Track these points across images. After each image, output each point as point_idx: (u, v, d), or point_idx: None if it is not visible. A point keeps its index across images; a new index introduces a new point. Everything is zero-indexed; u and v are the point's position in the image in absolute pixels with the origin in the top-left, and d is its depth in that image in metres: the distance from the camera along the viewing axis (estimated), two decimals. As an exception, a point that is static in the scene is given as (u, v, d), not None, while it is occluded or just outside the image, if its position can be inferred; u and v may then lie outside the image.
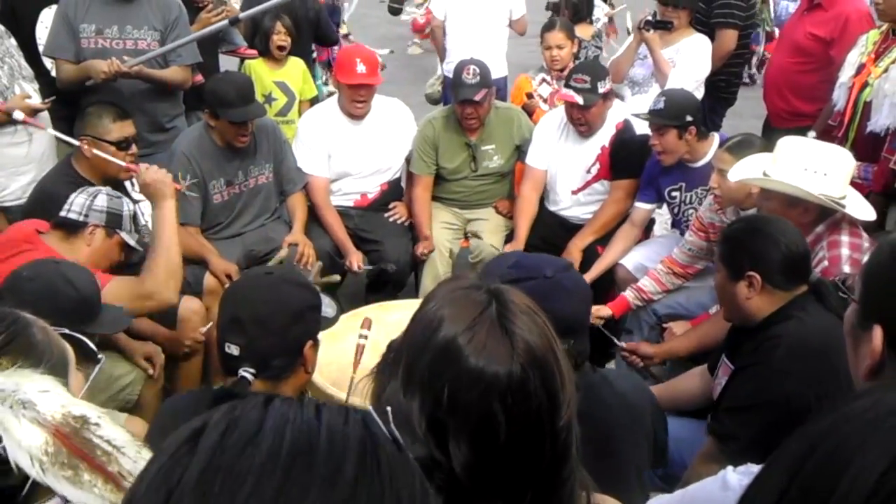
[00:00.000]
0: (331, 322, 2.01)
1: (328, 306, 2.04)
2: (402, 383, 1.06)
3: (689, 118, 3.45)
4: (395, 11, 3.61)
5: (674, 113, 3.45)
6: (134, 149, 3.29)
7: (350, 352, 2.96)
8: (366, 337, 2.77)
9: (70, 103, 3.74)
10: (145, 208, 3.39)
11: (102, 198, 2.85)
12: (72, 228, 2.82)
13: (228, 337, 1.77)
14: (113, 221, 2.86)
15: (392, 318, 3.20)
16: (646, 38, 4.40)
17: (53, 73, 3.89)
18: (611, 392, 1.96)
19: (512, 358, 1.02)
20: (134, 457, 1.03)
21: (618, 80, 4.73)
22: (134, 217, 2.97)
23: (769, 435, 2.02)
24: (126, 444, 1.03)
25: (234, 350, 1.76)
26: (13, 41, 3.60)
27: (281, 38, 4.59)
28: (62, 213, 2.84)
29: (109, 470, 1.01)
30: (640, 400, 2.07)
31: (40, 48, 3.90)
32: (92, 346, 1.95)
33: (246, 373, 1.74)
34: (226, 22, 4.07)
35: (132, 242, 2.93)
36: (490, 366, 1.02)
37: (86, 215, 2.82)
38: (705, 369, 2.76)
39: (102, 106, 3.33)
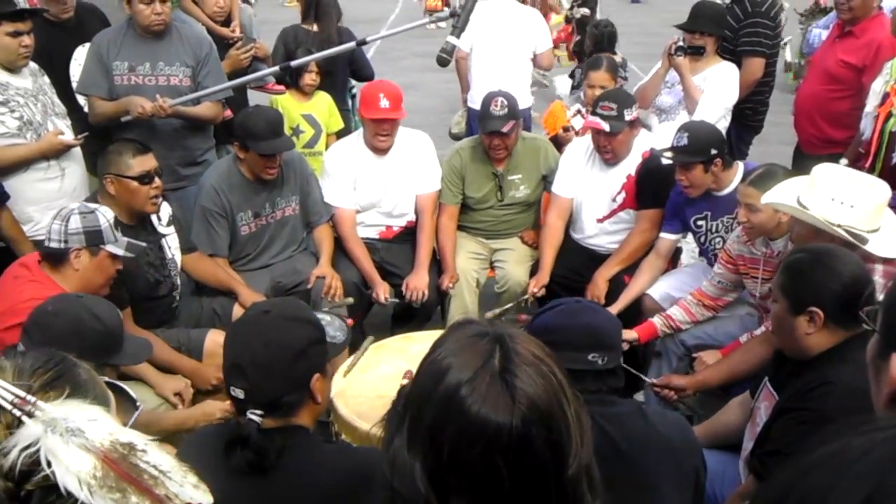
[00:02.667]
0: (340, 348, 1.98)
1: (338, 330, 1.99)
2: (406, 438, 1.05)
3: (713, 151, 3.40)
4: (444, 62, 3.62)
5: (698, 148, 3.41)
6: (157, 182, 3.22)
7: (378, 384, 2.97)
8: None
9: (102, 139, 3.81)
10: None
11: (75, 219, 2.77)
12: (57, 259, 2.77)
13: (232, 381, 1.74)
14: (93, 239, 2.78)
15: (416, 349, 3.21)
16: (676, 65, 4.38)
17: (86, 110, 3.97)
18: (653, 432, 1.93)
19: (513, 413, 1.01)
20: (180, 481, 1.05)
21: (644, 106, 4.73)
22: (116, 224, 2.87)
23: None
24: (172, 469, 1.06)
25: (239, 394, 1.74)
26: (47, 79, 3.68)
27: (312, 76, 4.67)
28: (46, 243, 2.80)
29: (157, 493, 1.03)
30: (684, 440, 2.02)
31: (74, 85, 3.99)
32: (132, 393, 1.97)
33: (253, 415, 1.72)
34: (277, 69, 4.11)
35: (120, 252, 2.84)
36: (491, 421, 1.01)
37: (65, 241, 2.76)
38: (746, 398, 2.68)
39: (122, 143, 3.29)
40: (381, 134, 3.98)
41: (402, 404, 1.09)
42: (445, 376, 1.04)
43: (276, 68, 4.13)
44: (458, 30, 3.67)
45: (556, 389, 1.05)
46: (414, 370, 2.87)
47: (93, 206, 2.87)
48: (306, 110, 4.72)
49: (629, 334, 3.37)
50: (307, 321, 1.84)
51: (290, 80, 4.77)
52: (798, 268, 2.26)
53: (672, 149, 3.49)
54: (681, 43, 4.38)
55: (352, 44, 4.02)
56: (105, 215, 2.84)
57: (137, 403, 1.96)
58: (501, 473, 1.00)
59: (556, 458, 1.02)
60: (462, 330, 1.12)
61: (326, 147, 4.77)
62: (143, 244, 2.97)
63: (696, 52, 4.36)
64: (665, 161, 3.51)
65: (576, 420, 1.05)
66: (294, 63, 4.18)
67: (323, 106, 4.78)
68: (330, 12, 4.97)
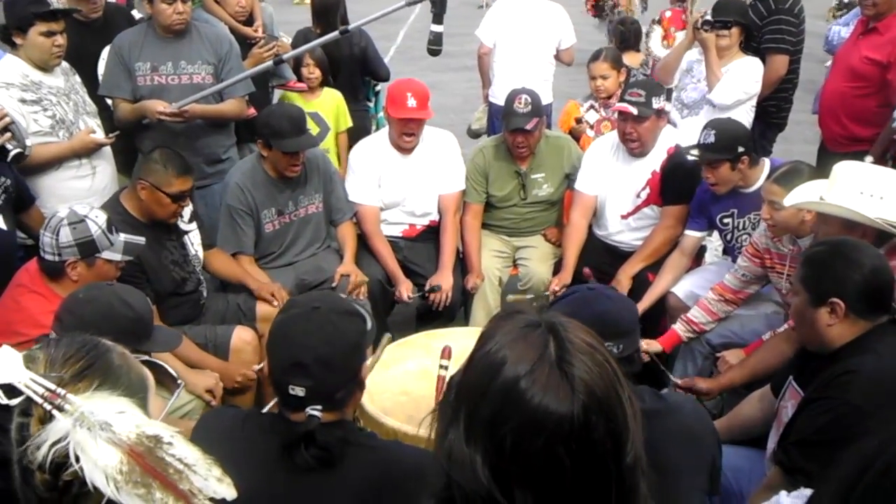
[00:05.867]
0: (371, 335, 1.99)
1: (369, 318, 2.01)
2: (463, 431, 1.05)
3: (740, 149, 3.39)
4: (435, 53, 3.68)
5: (725, 145, 3.39)
6: (187, 202, 3.29)
7: (403, 381, 2.98)
8: (446, 367, 2.76)
9: (126, 136, 3.86)
10: (194, 238, 3.46)
11: (65, 231, 2.70)
12: (54, 272, 2.74)
13: (292, 380, 1.74)
14: (87, 250, 2.73)
15: (439, 345, 3.22)
16: (702, 39, 4.39)
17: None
18: (674, 422, 1.94)
19: (573, 402, 1.01)
20: (204, 474, 1.06)
21: (666, 81, 4.72)
22: (109, 226, 2.78)
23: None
24: (197, 463, 1.07)
25: (299, 392, 1.73)
26: (78, 78, 3.72)
27: (309, 69, 4.68)
28: (41, 254, 2.77)
29: (181, 488, 1.03)
30: (701, 426, 2.04)
31: (102, 85, 4.02)
32: (172, 371, 1.97)
33: (314, 411, 1.74)
34: (270, 63, 4.15)
35: (117, 257, 2.79)
36: (553, 411, 1.00)
37: (59, 254, 2.71)
38: (766, 391, 2.69)
39: (168, 155, 3.24)
40: (406, 133, 3.99)
41: (454, 396, 1.08)
42: (502, 369, 1.03)
43: (270, 63, 4.16)
44: (437, 17, 3.69)
45: (612, 377, 1.05)
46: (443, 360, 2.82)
47: (82, 212, 2.78)
48: (312, 108, 4.71)
49: (654, 346, 3.37)
50: (355, 313, 1.88)
51: (295, 76, 4.81)
52: (819, 259, 2.28)
53: (699, 146, 3.48)
54: (707, 17, 4.38)
55: (335, 33, 4.04)
56: (96, 221, 2.77)
57: (178, 381, 1.97)
58: (564, 463, 1.00)
59: (615, 446, 1.02)
60: (511, 321, 1.11)
61: (336, 145, 4.80)
62: (142, 241, 2.92)
63: (723, 27, 4.36)
64: (691, 158, 3.50)
65: (631, 407, 1.05)
66: (286, 56, 4.23)
67: (330, 104, 4.79)
68: (328, 15, 4.97)
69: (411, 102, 3.91)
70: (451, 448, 1.05)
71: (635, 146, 3.86)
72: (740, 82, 4.37)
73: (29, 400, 1.06)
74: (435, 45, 3.81)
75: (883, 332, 2.20)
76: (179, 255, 3.36)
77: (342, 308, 1.87)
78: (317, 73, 4.69)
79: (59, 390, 1.06)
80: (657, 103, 3.76)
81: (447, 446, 1.06)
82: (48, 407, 1.05)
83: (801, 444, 2.21)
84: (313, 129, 4.71)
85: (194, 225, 3.49)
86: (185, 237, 3.43)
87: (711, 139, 3.42)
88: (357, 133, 4.86)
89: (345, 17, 5.12)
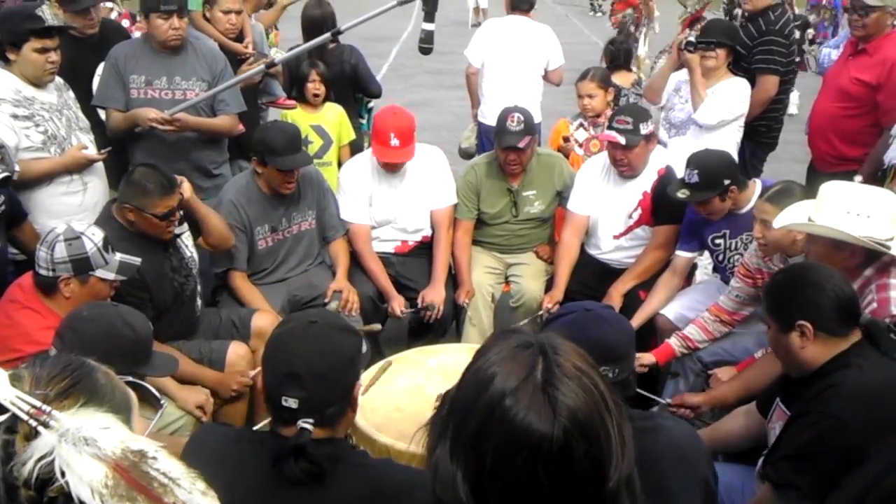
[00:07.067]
0: (366, 357, 2.02)
1: (365, 340, 2.05)
2: (450, 446, 1.07)
3: (726, 182, 3.40)
4: (426, 51, 3.73)
5: (710, 182, 3.41)
6: (176, 216, 3.21)
7: (396, 397, 2.98)
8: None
9: (118, 151, 3.86)
10: (187, 240, 3.44)
11: (60, 247, 2.71)
12: (47, 288, 2.74)
13: (286, 391, 1.76)
14: (81, 267, 2.73)
15: (433, 362, 3.23)
16: (686, 59, 4.43)
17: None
18: (664, 441, 1.95)
19: (554, 424, 1.02)
20: (189, 488, 1.06)
21: (653, 101, 4.76)
22: (105, 245, 2.78)
23: (828, 483, 1.98)
24: (181, 476, 1.07)
25: (292, 403, 1.75)
26: (71, 94, 3.72)
27: (315, 85, 4.73)
28: (36, 268, 2.76)
29: (165, 501, 1.04)
30: (692, 445, 2.04)
31: (97, 100, 4.03)
32: (155, 392, 1.99)
33: (306, 424, 1.75)
34: (262, 67, 4.17)
35: (111, 276, 2.79)
36: (534, 430, 1.02)
37: (53, 270, 2.71)
38: (751, 408, 2.73)
39: (149, 175, 3.14)
40: (390, 163, 4.03)
41: (447, 411, 1.10)
42: (490, 385, 1.05)
43: (262, 67, 4.19)
44: (429, 15, 3.72)
45: (598, 402, 1.05)
46: (432, 384, 2.84)
47: (79, 229, 2.79)
48: (315, 121, 4.77)
49: (647, 358, 3.38)
50: (352, 331, 1.92)
51: (297, 93, 4.84)
52: (778, 288, 2.38)
53: (685, 186, 3.49)
54: (691, 38, 4.43)
55: (326, 35, 4.06)
56: (92, 239, 2.77)
57: (161, 402, 1.98)
58: (542, 484, 1.01)
59: (595, 471, 1.03)
60: (506, 339, 1.12)
61: (339, 158, 4.83)
62: (138, 261, 2.91)
63: (707, 47, 4.41)
64: (680, 198, 3.49)
65: (617, 433, 1.06)
66: (278, 59, 4.27)
67: (333, 117, 4.83)
68: (315, 31, 4.98)
69: (394, 142, 3.91)
70: (438, 463, 1.07)
71: (625, 170, 3.89)
72: (725, 103, 4.41)
73: (14, 417, 1.06)
74: (426, 44, 3.83)
75: (862, 348, 2.26)
76: (176, 260, 3.34)
77: (339, 324, 1.92)
78: (322, 89, 4.75)
79: (45, 407, 1.07)
80: (645, 129, 3.78)
81: (434, 461, 1.07)
82: (33, 423, 1.05)
83: (788, 458, 2.25)
84: (317, 141, 4.75)
85: (185, 226, 3.44)
86: (178, 240, 3.39)
87: (695, 178, 3.43)
88: (355, 148, 4.90)
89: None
